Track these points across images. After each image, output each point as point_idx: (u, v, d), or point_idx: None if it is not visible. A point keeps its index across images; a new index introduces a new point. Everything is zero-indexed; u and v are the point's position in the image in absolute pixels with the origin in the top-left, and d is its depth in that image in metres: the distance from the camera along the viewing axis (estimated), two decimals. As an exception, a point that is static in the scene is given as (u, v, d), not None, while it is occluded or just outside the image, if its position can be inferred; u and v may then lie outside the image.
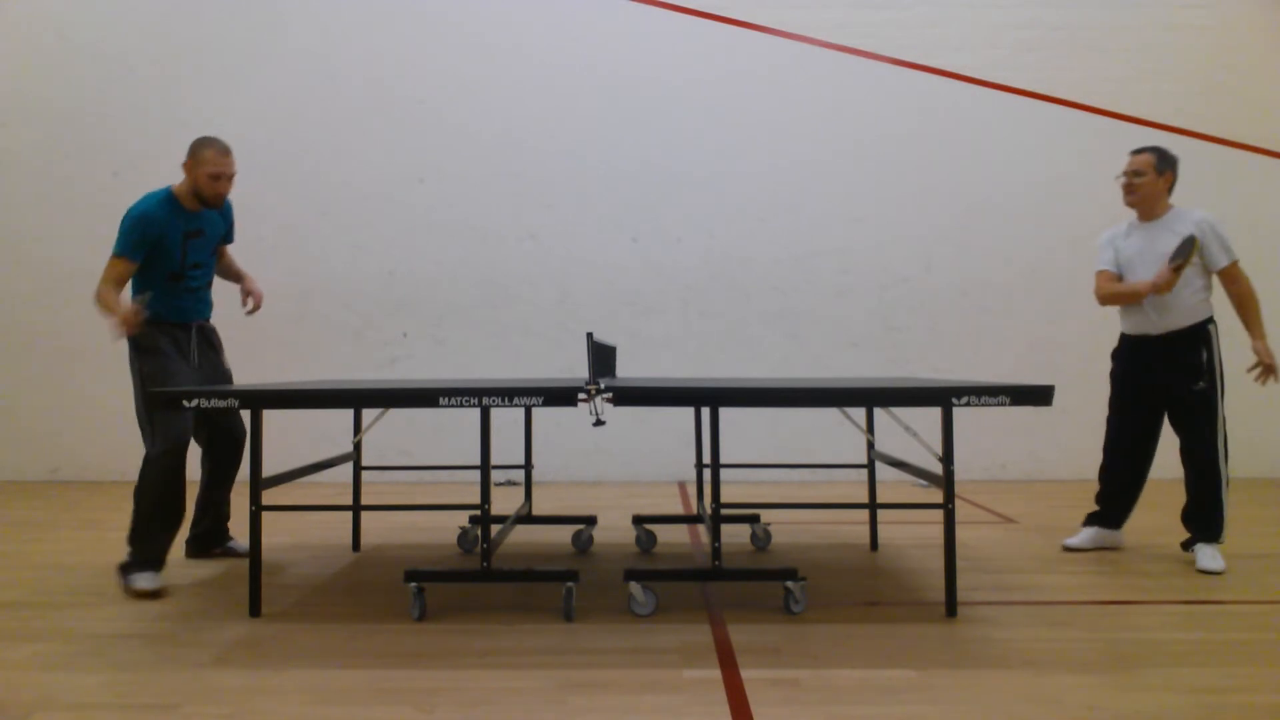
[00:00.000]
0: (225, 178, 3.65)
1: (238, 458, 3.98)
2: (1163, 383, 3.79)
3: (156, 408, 3.43)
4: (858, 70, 6.65)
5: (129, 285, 3.64)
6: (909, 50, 6.66)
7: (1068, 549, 4.03)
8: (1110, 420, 4.02)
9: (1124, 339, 3.95)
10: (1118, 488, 3.98)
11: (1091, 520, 4.06)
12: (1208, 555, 3.66)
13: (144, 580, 3.36)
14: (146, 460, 3.48)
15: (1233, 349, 3.83)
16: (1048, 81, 6.63)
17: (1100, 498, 4.05)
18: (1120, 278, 3.88)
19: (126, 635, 2.85)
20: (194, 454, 3.78)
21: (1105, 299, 3.92)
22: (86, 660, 2.61)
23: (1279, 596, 3.26)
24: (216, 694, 2.34)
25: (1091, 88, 6.61)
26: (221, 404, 2.87)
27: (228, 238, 3.98)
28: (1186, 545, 3.80)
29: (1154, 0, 6.61)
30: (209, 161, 3.58)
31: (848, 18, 6.65)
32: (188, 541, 3.99)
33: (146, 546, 3.45)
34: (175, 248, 3.63)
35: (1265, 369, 3.69)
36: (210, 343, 3.87)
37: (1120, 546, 4.04)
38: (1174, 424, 3.83)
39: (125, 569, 3.44)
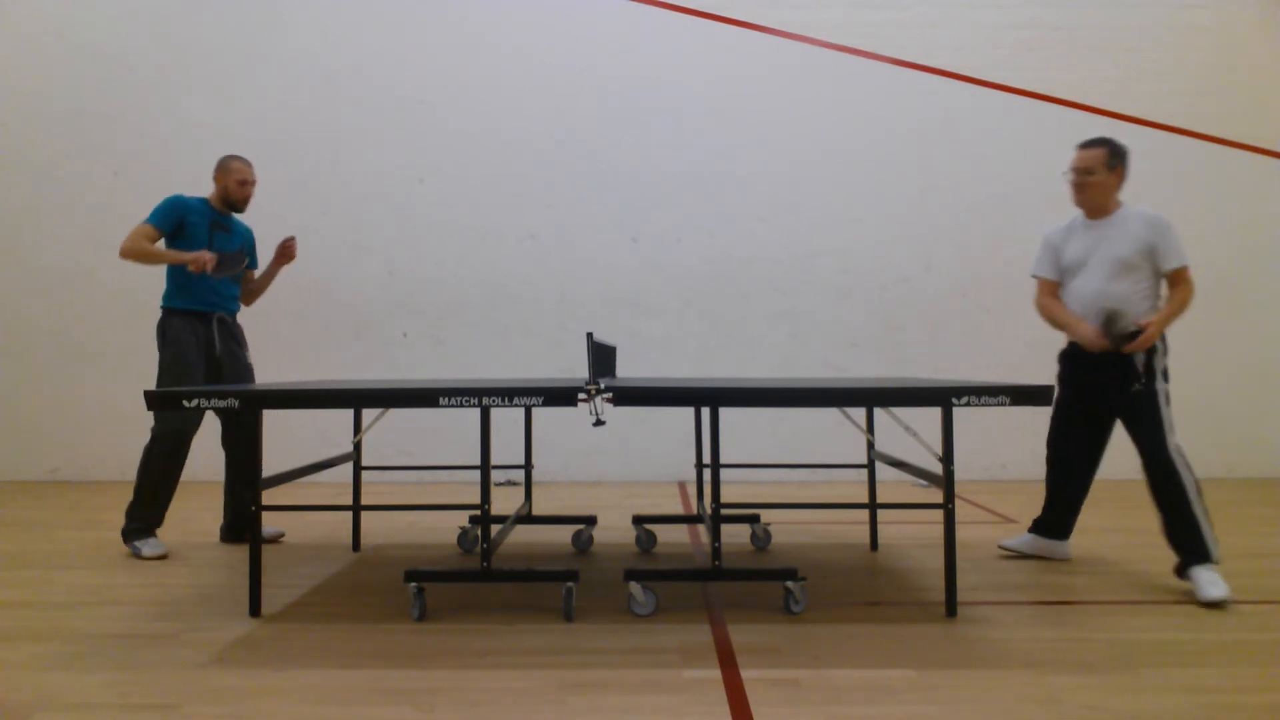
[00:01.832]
0: (250, 183, 4.29)
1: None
2: (1113, 389, 3.51)
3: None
4: (858, 70, 6.65)
5: (164, 271, 4.16)
6: (909, 50, 6.66)
7: (1004, 549, 3.88)
8: (1056, 425, 3.78)
9: (1074, 345, 3.71)
10: (1070, 495, 3.76)
11: (1038, 527, 3.84)
12: (1205, 580, 3.20)
13: (149, 548, 3.95)
14: (150, 440, 4.01)
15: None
16: (1048, 81, 6.63)
17: (1051, 505, 3.80)
18: (1059, 284, 3.69)
19: (126, 635, 2.85)
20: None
21: (1045, 317, 3.73)
22: (86, 660, 2.61)
23: (1279, 597, 3.26)
24: (216, 694, 2.34)
25: (1091, 88, 6.61)
26: (221, 404, 2.87)
27: (252, 258, 4.47)
28: (1180, 571, 3.34)
29: (1154, 0, 6.62)
30: (236, 170, 4.24)
31: (848, 18, 6.65)
32: (221, 529, 4.37)
33: (141, 515, 4.03)
34: (202, 231, 4.14)
35: (1140, 339, 3.38)
36: (234, 336, 4.29)
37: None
38: (1129, 431, 3.52)
39: (127, 536, 4.02)
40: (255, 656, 2.63)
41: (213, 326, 4.15)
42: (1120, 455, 3.62)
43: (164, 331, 4.09)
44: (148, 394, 3.03)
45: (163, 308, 4.14)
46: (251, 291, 4.47)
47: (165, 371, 4.05)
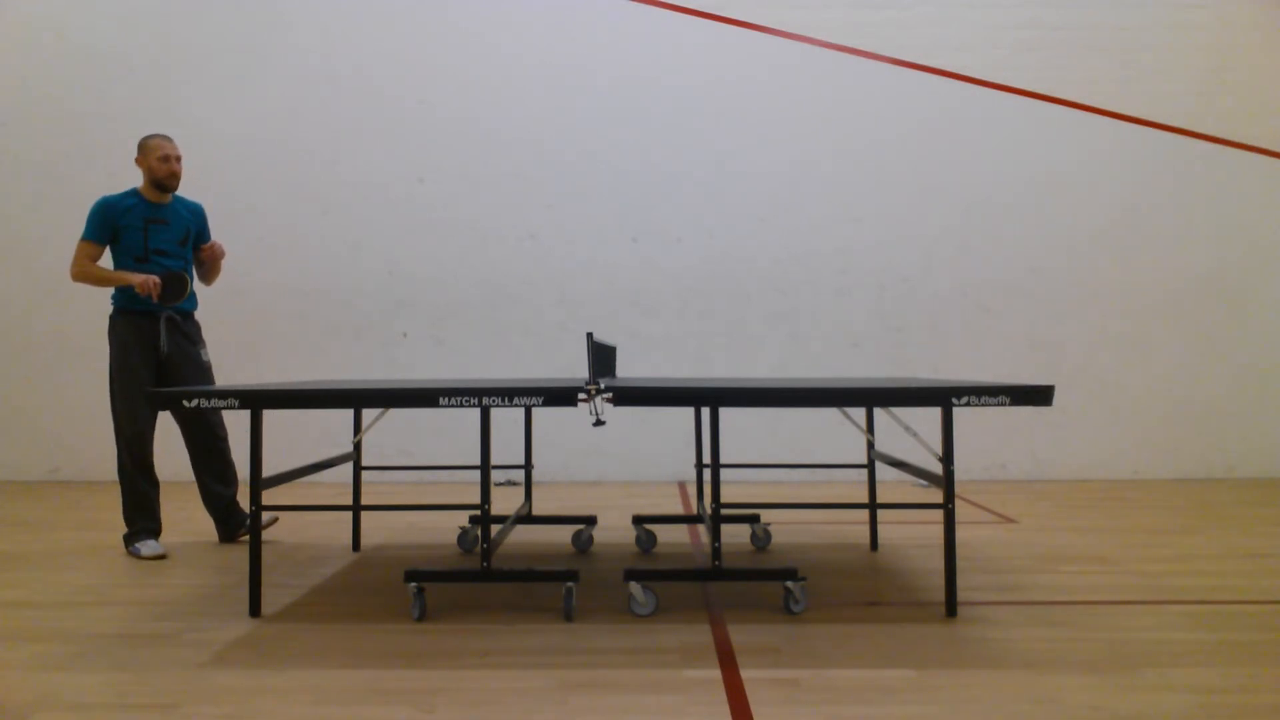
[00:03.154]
0: (173, 158, 4.08)
1: (215, 448, 4.22)
2: None
3: (116, 401, 4.03)
4: (858, 70, 6.65)
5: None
6: (909, 50, 6.66)
7: None
8: None
9: None
10: None
11: None
12: None
13: (147, 549, 3.96)
14: (117, 449, 4.06)
15: None
16: (1048, 81, 6.63)
17: None
18: None
19: (126, 635, 2.85)
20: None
21: None
22: (86, 660, 2.61)
23: (1279, 597, 3.26)
24: (216, 694, 2.34)
25: (1092, 88, 6.60)
26: (221, 404, 2.87)
27: (203, 237, 4.29)
28: None
29: (1154, 0, 6.62)
30: (155, 148, 4.05)
31: (848, 18, 6.65)
32: (217, 530, 4.35)
33: (135, 518, 4.05)
34: (137, 232, 4.04)
35: None
36: (186, 334, 4.17)
37: None
38: None
39: (127, 540, 4.04)
40: (255, 656, 2.63)
41: (159, 325, 4.06)
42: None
43: (110, 333, 4.10)
44: (150, 394, 3.04)
45: (111, 308, 4.13)
46: (207, 272, 4.34)
47: (112, 374, 4.06)
